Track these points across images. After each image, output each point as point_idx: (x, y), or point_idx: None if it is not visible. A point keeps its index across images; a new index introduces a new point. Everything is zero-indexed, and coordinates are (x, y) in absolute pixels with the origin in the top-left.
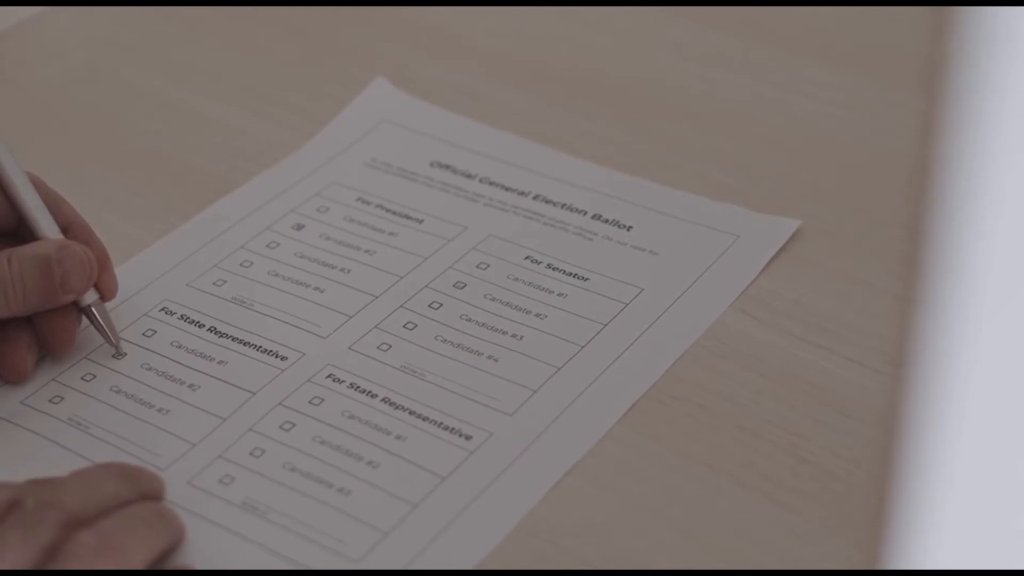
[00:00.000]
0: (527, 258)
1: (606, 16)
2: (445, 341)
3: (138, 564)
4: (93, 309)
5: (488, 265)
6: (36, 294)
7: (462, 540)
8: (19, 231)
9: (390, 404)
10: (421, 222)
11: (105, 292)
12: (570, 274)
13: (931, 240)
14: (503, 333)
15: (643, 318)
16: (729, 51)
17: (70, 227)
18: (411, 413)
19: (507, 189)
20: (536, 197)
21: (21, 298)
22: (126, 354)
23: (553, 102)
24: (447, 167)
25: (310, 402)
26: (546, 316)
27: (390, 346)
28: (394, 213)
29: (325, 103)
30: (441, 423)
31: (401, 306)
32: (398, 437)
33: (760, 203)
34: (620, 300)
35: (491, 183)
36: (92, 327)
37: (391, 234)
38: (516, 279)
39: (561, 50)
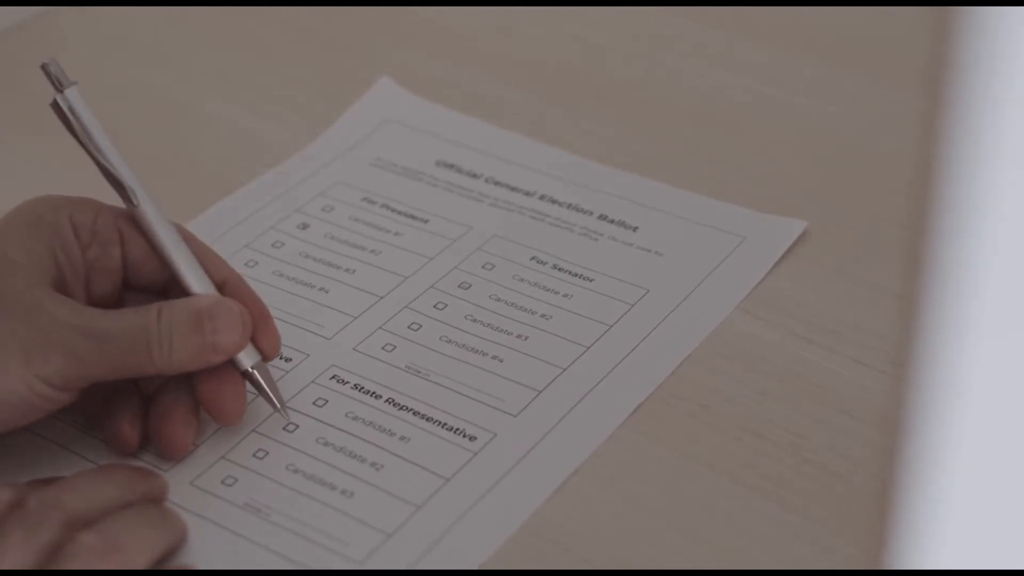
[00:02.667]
0: (532, 258)
1: (607, 16)
2: (450, 341)
3: (140, 564)
4: (255, 372)
5: (493, 265)
6: (184, 351)
7: (465, 541)
8: (169, 289)
9: (394, 405)
10: (426, 222)
11: (266, 351)
12: (575, 275)
13: (933, 240)
14: (508, 334)
15: (649, 319)
16: (730, 51)
17: (224, 284)
18: (415, 414)
19: (513, 189)
20: (542, 197)
21: (167, 354)
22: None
23: (555, 102)
24: (452, 167)
25: (314, 403)
26: (551, 317)
27: (395, 347)
28: (399, 213)
29: (329, 103)
30: (445, 424)
31: (406, 306)
32: (402, 438)
33: (762, 204)
34: (626, 301)
35: (496, 183)
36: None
37: (396, 234)
38: (521, 279)
39: (563, 50)
